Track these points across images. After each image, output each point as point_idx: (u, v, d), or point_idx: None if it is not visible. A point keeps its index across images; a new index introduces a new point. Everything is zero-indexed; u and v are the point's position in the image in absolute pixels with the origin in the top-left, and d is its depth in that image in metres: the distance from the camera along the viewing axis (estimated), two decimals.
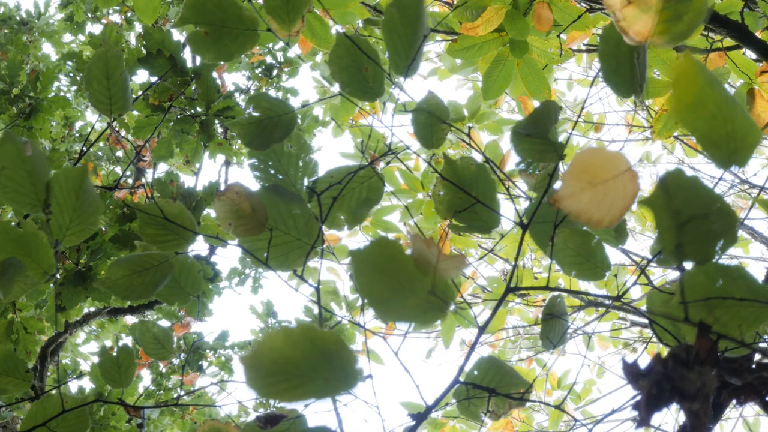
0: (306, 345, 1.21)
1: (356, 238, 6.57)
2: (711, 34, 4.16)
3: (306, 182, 1.52)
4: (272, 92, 7.16)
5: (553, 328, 1.54)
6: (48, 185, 1.36)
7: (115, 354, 1.73)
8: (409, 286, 1.30)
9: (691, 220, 1.26)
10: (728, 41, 4.03)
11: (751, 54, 4.13)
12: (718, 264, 1.32)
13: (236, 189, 1.43)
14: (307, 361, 1.21)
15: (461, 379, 1.53)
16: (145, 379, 7.62)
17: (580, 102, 5.90)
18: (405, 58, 1.33)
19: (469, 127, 6.00)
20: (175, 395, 7.03)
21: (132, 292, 1.54)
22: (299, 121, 6.97)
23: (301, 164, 1.51)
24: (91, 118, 8.16)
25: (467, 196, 1.38)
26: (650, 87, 4.12)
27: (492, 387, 1.49)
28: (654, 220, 1.33)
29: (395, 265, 1.29)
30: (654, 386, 1.17)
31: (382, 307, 1.32)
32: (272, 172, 1.52)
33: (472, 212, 1.39)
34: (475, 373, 1.54)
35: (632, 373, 1.21)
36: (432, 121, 1.45)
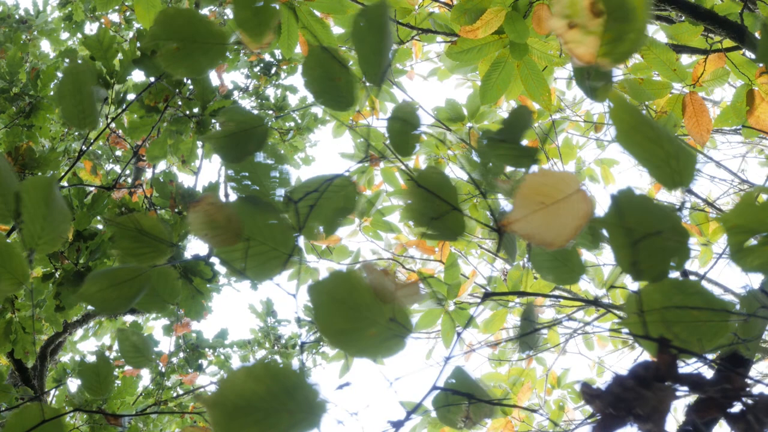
0: (268, 379, 1.23)
1: (356, 239, 6.57)
2: (710, 35, 4.12)
3: (281, 192, 1.52)
4: (271, 90, 7.16)
5: (527, 331, 1.55)
6: (17, 195, 1.35)
7: (93, 362, 1.72)
8: (369, 316, 1.31)
9: (645, 238, 1.26)
10: (728, 42, 4.00)
11: (750, 55, 4.10)
12: (674, 280, 1.33)
13: (210, 200, 1.42)
14: (271, 395, 1.23)
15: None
16: (145, 378, 7.64)
17: (579, 101, 5.88)
18: (376, 66, 1.32)
19: (470, 127, 5.98)
20: (174, 394, 7.04)
21: (109, 305, 1.53)
22: (299, 120, 6.97)
23: (276, 175, 1.51)
24: None
25: (434, 205, 1.38)
26: (650, 88, 4.09)
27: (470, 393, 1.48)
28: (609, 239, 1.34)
29: (355, 296, 1.31)
30: (609, 407, 1.17)
31: (341, 339, 1.34)
32: (247, 183, 1.51)
33: (441, 220, 1.39)
34: (453, 381, 1.53)
35: (589, 393, 1.22)
36: (406, 128, 1.45)
